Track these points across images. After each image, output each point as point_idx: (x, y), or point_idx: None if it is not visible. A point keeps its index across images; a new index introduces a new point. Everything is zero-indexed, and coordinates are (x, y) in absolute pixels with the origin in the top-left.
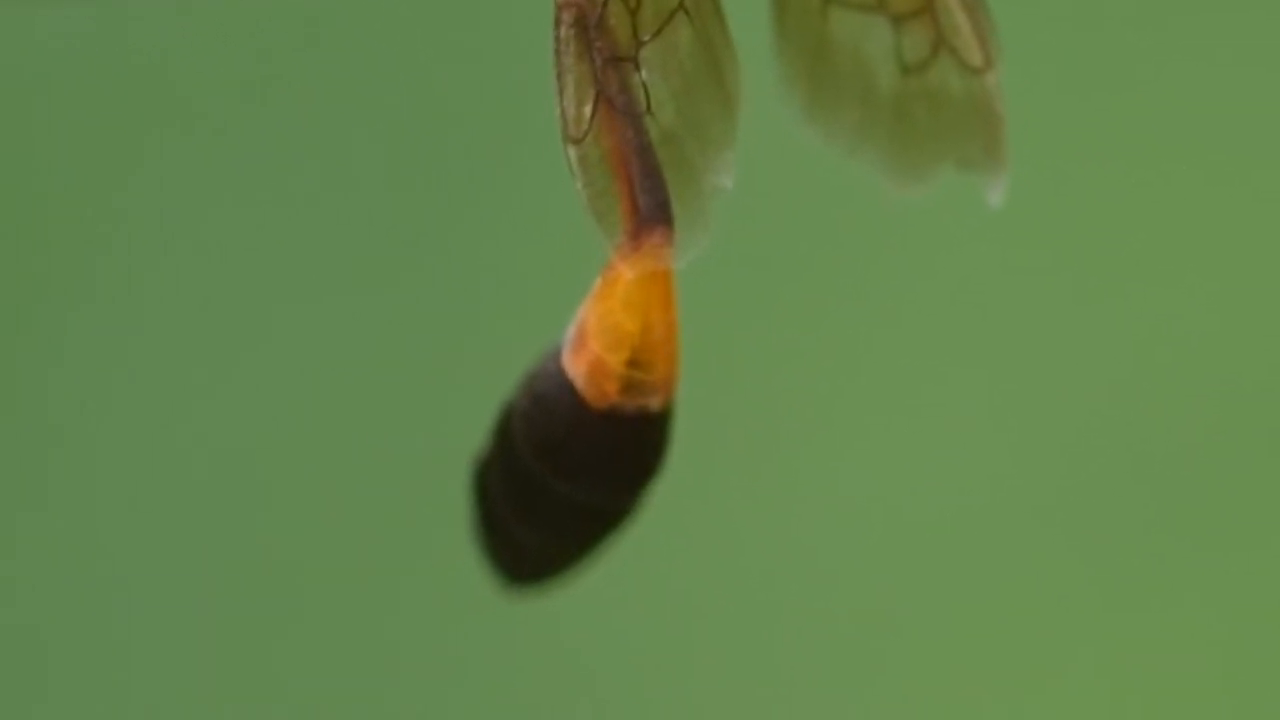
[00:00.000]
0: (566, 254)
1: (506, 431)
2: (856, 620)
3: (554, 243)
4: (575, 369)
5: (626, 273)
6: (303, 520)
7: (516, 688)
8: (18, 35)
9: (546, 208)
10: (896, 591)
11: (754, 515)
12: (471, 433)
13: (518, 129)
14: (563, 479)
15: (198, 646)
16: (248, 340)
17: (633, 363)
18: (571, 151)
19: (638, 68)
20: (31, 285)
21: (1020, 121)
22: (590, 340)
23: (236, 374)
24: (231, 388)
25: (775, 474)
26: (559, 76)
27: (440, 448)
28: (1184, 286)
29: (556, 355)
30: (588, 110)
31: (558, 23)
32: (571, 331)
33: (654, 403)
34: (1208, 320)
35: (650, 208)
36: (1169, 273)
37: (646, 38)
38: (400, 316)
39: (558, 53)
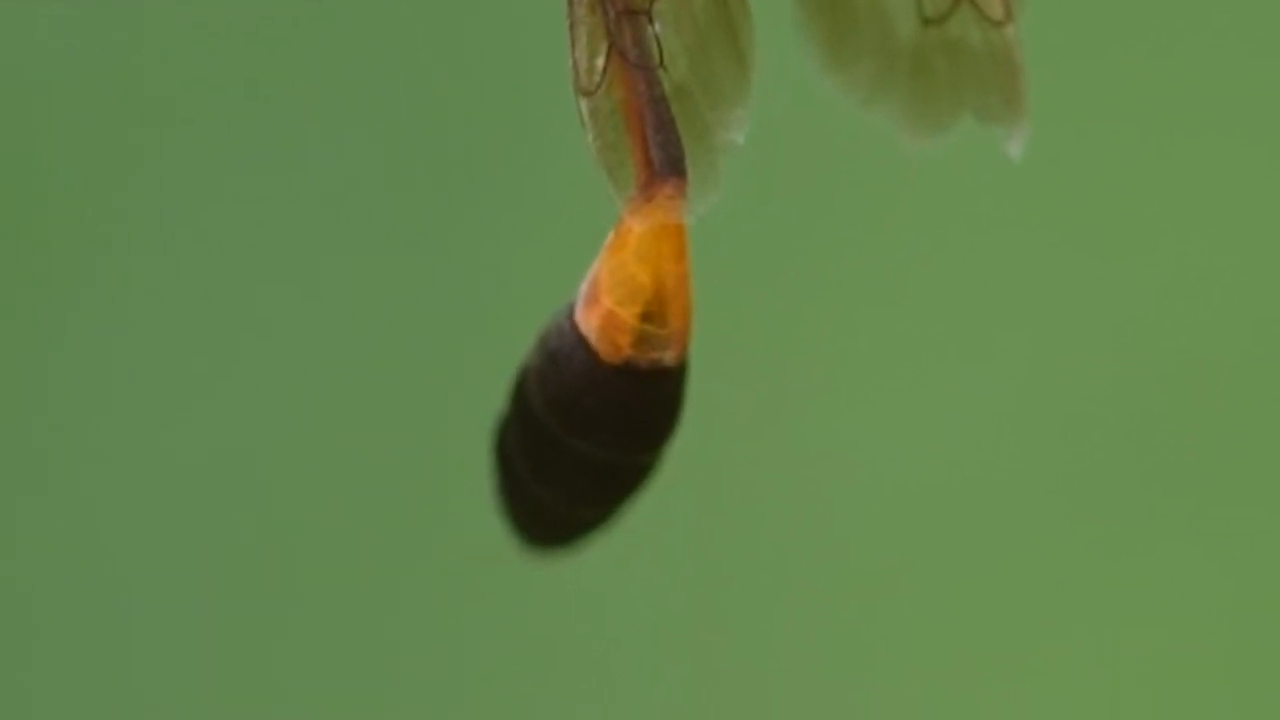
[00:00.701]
0: (569, 239)
1: (522, 390)
2: (862, 582)
3: (556, 228)
4: (588, 324)
5: (638, 225)
6: (305, 511)
7: (522, 655)
8: (18, 35)
9: (549, 189)
10: (903, 554)
11: (762, 473)
12: (472, 414)
13: (520, 107)
14: (578, 436)
15: (202, 627)
16: (249, 328)
17: (645, 316)
18: (583, 104)
19: (651, 21)
20: (31, 283)
21: (1039, 75)
22: (603, 294)
23: (238, 364)
24: (233, 379)
25: (783, 432)
26: (572, 28)
27: (443, 429)
28: (1196, 248)
29: (569, 311)
30: (600, 62)
31: None
32: (584, 287)
33: (668, 357)
34: (1217, 287)
35: (663, 161)
36: (1182, 234)
37: None
38: (403, 302)
39: (571, 4)
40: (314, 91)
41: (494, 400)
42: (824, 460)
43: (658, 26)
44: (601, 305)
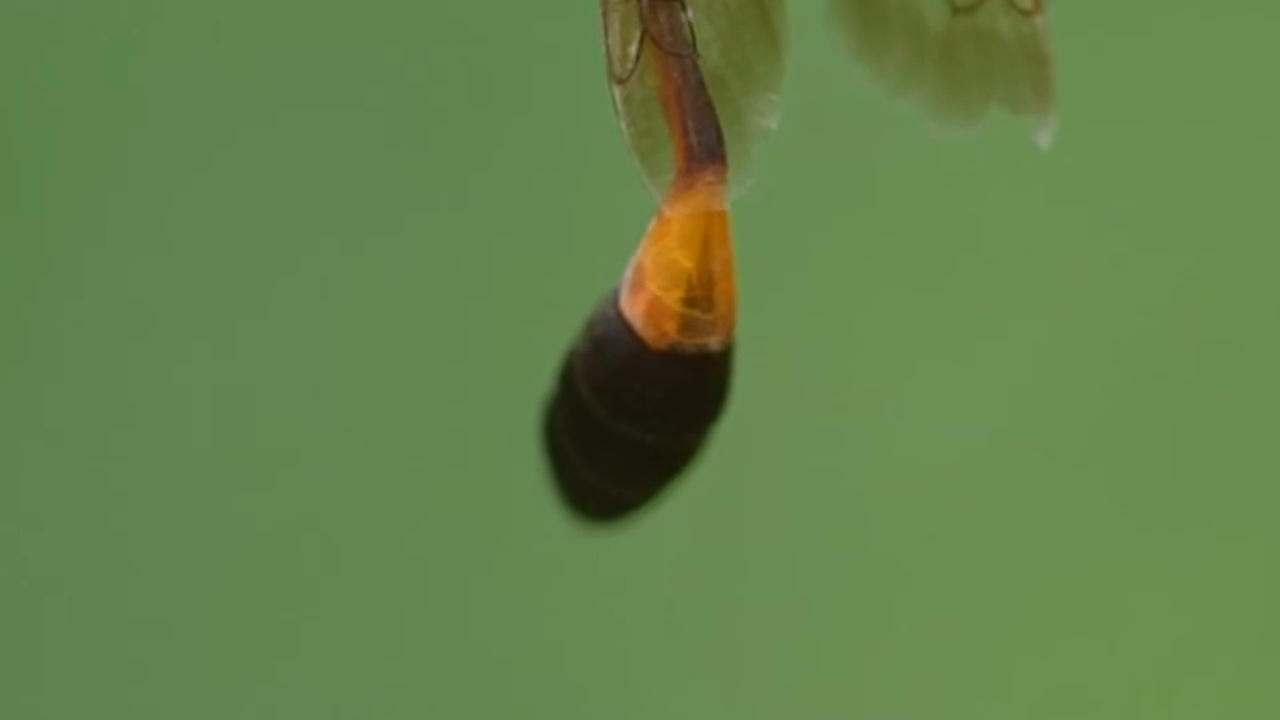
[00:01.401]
0: (601, 220)
1: (569, 375)
2: (889, 567)
3: (588, 209)
4: (633, 310)
5: (681, 211)
6: (315, 506)
7: (545, 634)
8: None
9: (579, 168)
10: (928, 539)
11: (788, 457)
12: (485, 404)
13: (551, 90)
14: (625, 421)
15: (211, 620)
16: (263, 315)
17: (690, 301)
18: (616, 91)
19: (684, 7)
20: (31, 276)
21: (1068, 64)
22: (647, 280)
23: (251, 352)
24: (246, 368)
25: (809, 417)
26: (605, 15)
27: (453, 422)
28: (1223, 236)
29: (615, 298)
30: (633, 49)
31: None
32: (628, 273)
33: (713, 341)
34: (1242, 273)
35: (703, 145)
36: (1208, 223)
37: None
38: (423, 282)
39: None
40: (324, 74)
41: (508, 386)
42: (849, 445)
43: (690, 13)
44: (646, 291)
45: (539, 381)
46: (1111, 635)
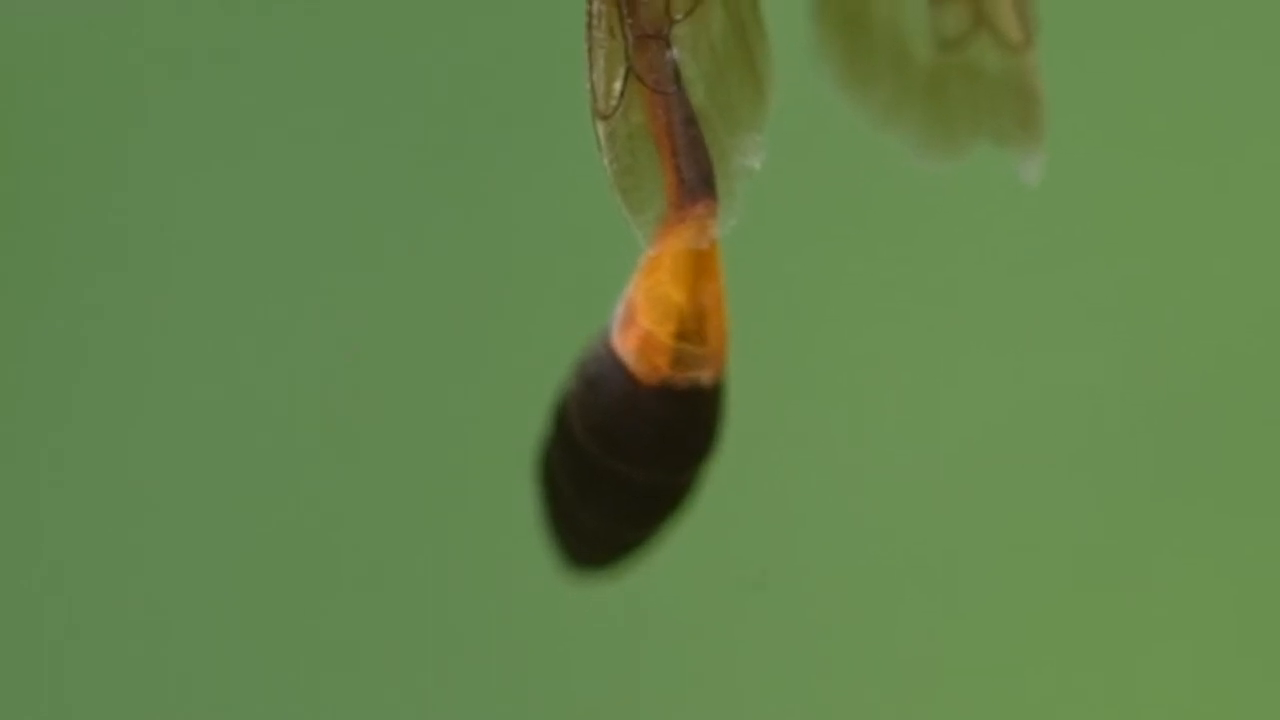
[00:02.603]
0: (593, 248)
1: (563, 415)
2: (890, 587)
3: (579, 237)
4: (625, 347)
5: (672, 245)
6: (316, 518)
7: (553, 639)
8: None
9: (578, 190)
10: (929, 558)
11: (787, 480)
12: (491, 419)
13: (547, 114)
14: (620, 459)
15: (214, 636)
16: (270, 333)
17: (682, 335)
18: (600, 127)
19: (669, 45)
20: (39, 278)
21: (1057, 98)
22: (639, 316)
23: (253, 342)
24: (249, 355)
25: (807, 440)
26: (590, 51)
27: (460, 433)
28: (1206, 246)
29: (606, 335)
30: (618, 86)
31: None
32: (620, 310)
33: (705, 376)
34: (1234, 282)
35: (693, 180)
36: (1191, 234)
37: (679, 16)
38: (432, 275)
39: (589, 27)
40: (329, 79)
41: (515, 396)
42: (840, 469)
43: (675, 52)
44: (638, 326)
45: (546, 386)
46: (1107, 645)
